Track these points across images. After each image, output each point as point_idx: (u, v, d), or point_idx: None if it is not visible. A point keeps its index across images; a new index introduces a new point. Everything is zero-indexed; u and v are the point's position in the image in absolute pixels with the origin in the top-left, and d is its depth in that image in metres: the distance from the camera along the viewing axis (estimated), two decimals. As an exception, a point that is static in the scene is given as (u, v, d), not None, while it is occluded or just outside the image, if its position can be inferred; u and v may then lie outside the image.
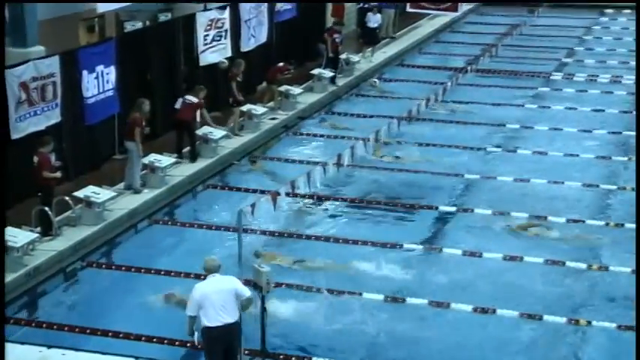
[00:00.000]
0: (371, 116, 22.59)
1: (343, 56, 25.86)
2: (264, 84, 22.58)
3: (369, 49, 27.70)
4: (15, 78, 15.39)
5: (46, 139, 14.82)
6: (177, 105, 18.45)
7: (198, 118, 18.87)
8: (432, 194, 17.67)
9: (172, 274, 13.91)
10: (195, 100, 18.37)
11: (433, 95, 20.25)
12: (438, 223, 16.37)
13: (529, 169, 18.88)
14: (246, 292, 10.67)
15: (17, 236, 13.58)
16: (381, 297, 13.38)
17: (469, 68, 25.82)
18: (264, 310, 11.22)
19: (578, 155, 19.79)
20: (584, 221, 16.10)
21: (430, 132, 21.37)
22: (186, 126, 18.35)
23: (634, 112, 22.13)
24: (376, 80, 25.87)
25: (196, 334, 10.74)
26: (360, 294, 13.40)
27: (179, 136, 18.43)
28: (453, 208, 16.90)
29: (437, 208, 16.90)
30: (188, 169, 18.06)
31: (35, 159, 14.51)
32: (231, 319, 10.53)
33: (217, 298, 10.45)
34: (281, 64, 22.70)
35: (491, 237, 15.62)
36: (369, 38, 27.83)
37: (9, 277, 13.09)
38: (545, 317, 12.77)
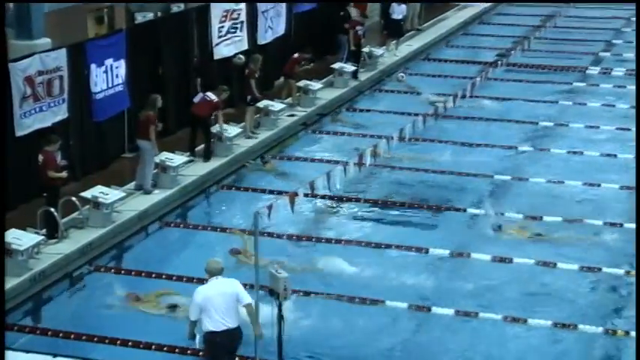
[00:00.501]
0: (395, 113, 22.59)
1: (366, 49, 25.83)
2: (282, 79, 22.56)
3: (394, 42, 27.66)
4: (20, 72, 15.46)
5: (53, 138, 14.87)
6: (196, 99, 18.49)
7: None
8: (459, 196, 17.62)
9: (184, 279, 13.94)
10: (215, 98, 18.37)
11: (461, 91, 20.15)
12: (465, 227, 16.30)
13: (563, 170, 18.79)
14: (247, 297, 10.73)
15: (21, 239, 13.63)
16: (404, 305, 13.35)
17: (499, 62, 25.71)
18: (281, 318, 11.21)
19: (615, 155, 19.67)
20: (622, 224, 16.01)
21: (457, 130, 21.31)
22: (201, 122, 18.36)
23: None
24: (403, 75, 25.82)
25: (197, 337, 10.78)
26: (383, 302, 13.37)
27: (193, 133, 18.48)
28: (482, 211, 16.83)
29: (465, 210, 16.85)
30: (201, 168, 18.09)
31: (40, 158, 14.57)
32: (234, 324, 10.62)
33: (221, 302, 10.53)
34: (296, 54, 22.57)
35: (522, 242, 15.55)
36: (393, 30, 27.78)
37: (13, 282, 13.16)
38: (581, 327, 12.69)
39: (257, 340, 10.89)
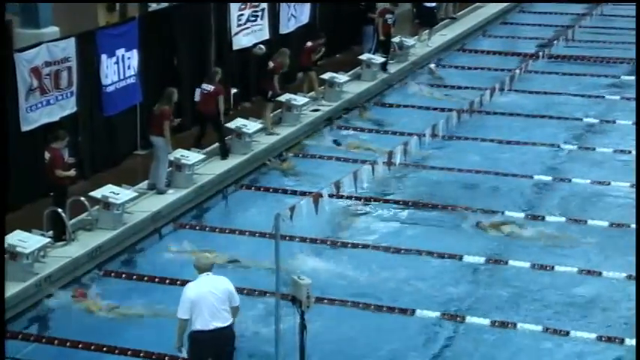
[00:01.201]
0: (427, 108, 22.59)
1: (396, 39, 25.82)
2: (300, 74, 22.48)
3: (426, 32, 27.63)
4: (25, 63, 15.58)
5: (61, 134, 14.97)
6: (197, 97, 18.49)
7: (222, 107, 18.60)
8: (497, 198, 17.60)
9: (200, 285, 13.99)
10: (211, 87, 18.28)
11: (498, 84, 20.12)
12: (503, 231, 16.27)
13: (609, 170, 18.72)
14: (237, 299, 10.87)
15: (27, 241, 13.70)
16: (436, 314, 13.36)
17: (541, 54, 25.62)
18: (303, 327, 11.25)
19: (667, 154, 19.57)
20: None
21: (494, 126, 21.27)
22: (210, 119, 18.37)
23: None
24: (435, 66, 25.79)
25: (186, 345, 10.83)
26: (413, 311, 13.39)
27: (201, 130, 18.44)
28: (521, 214, 16.80)
29: (502, 213, 16.82)
30: (218, 166, 18.15)
31: (47, 155, 14.68)
32: (225, 323, 10.71)
33: (213, 299, 10.64)
34: (309, 43, 22.41)
35: (565, 246, 15.52)
36: (426, 19, 27.73)
37: (17, 287, 13.27)
38: (628, 341, 12.64)
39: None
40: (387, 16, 24.88)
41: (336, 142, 20.21)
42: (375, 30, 25.00)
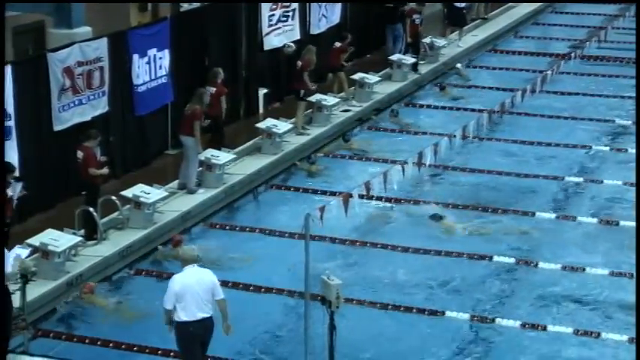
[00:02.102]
0: (457, 109, 22.54)
1: (427, 40, 25.77)
2: (330, 74, 22.45)
3: (456, 32, 27.51)
4: (58, 63, 15.71)
5: (93, 133, 15.07)
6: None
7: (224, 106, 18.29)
8: (527, 199, 17.54)
9: (229, 284, 14.02)
10: (213, 89, 17.97)
11: (530, 85, 20.03)
12: (533, 233, 16.22)
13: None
14: (221, 292, 11.07)
15: (59, 240, 13.79)
16: (466, 316, 13.33)
17: (573, 54, 25.47)
18: (333, 328, 11.25)
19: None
20: None
21: (525, 127, 21.19)
22: (216, 119, 17.99)
23: None
24: (461, 66, 25.71)
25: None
26: (443, 313, 13.36)
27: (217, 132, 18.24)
28: (552, 215, 16.73)
29: (533, 214, 16.76)
30: (249, 166, 18.18)
31: (80, 154, 14.77)
32: (208, 314, 10.94)
33: (199, 291, 10.85)
34: (337, 44, 22.36)
35: (598, 249, 15.44)
36: (456, 19, 27.63)
37: (49, 286, 13.37)
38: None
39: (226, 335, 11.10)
40: (415, 16, 24.82)
41: (345, 139, 20.15)
42: (404, 30, 24.96)
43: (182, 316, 10.86)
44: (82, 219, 14.84)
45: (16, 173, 13.94)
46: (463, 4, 27.49)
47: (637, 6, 27.95)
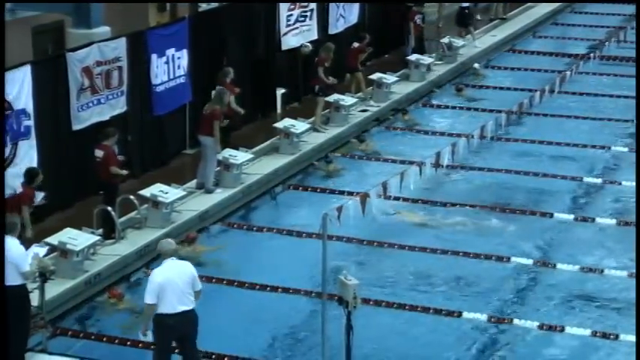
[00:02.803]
0: (475, 109, 22.52)
1: (445, 40, 25.75)
2: (348, 74, 22.45)
3: (467, 33, 27.31)
4: (77, 62, 15.79)
5: (111, 131, 15.13)
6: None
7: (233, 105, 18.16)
8: (545, 200, 17.51)
9: (246, 285, 14.09)
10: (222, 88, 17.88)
11: (548, 86, 19.98)
12: (551, 234, 16.19)
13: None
14: (199, 284, 11.14)
15: (77, 239, 13.84)
16: (484, 317, 13.33)
17: (592, 55, 25.41)
18: (349, 328, 11.26)
19: None
20: None
21: (544, 128, 21.15)
22: (228, 119, 17.80)
23: None
24: (478, 66, 25.67)
25: (149, 333, 11.08)
26: (460, 314, 13.37)
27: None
28: (570, 216, 16.70)
29: (551, 215, 16.73)
30: (266, 166, 18.21)
31: (99, 153, 14.83)
32: (190, 306, 10.98)
33: (179, 283, 10.91)
34: (356, 44, 22.36)
35: (616, 250, 15.40)
36: (460, 19, 27.51)
37: (67, 284, 13.43)
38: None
39: None
40: (417, 17, 24.76)
41: (360, 139, 20.14)
42: (409, 33, 24.90)
43: (162, 309, 10.92)
44: (101, 218, 14.91)
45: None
46: (466, 4, 27.38)
47: (637, 6, 27.83)
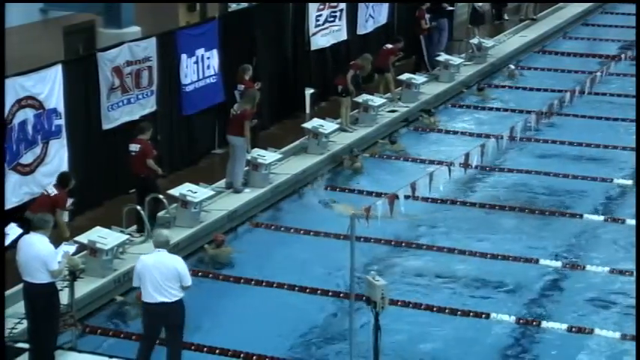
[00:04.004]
0: (505, 110, 22.45)
1: (474, 41, 25.66)
2: (377, 74, 22.42)
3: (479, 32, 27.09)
4: (107, 62, 15.88)
5: (146, 125, 15.22)
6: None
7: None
8: (575, 201, 17.43)
9: (274, 285, 14.11)
10: (242, 86, 17.93)
11: (579, 87, 19.88)
12: (580, 235, 16.12)
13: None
14: (188, 280, 11.22)
15: (106, 237, 13.93)
16: (512, 319, 13.28)
17: (623, 56, 25.23)
18: (377, 329, 11.27)
19: None
20: None
21: (575, 129, 21.05)
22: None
23: None
24: (513, 67, 25.57)
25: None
26: (488, 315, 13.33)
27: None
28: (600, 218, 16.61)
29: (581, 216, 16.65)
30: (295, 166, 18.22)
31: (135, 147, 14.86)
32: (171, 299, 11.09)
33: (156, 274, 11.04)
34: (389, 45, 22.31)
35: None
36: (475, 19, 27.32)
37: (96, 283, 13.52)
38: None
39: None
40: (426, 17, 24.37)
41: (392, 140, 20.15)
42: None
43: (143, 296, 11.21)
44: (135, 216, 14.93)
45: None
46: (480, 4, 27.15)
47: (637, 6, 27.63)
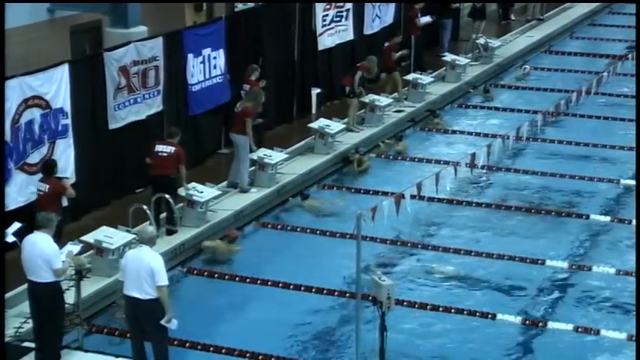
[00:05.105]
0: (511, 110, 22.44)
1: (481, 41, 25.64)
2: (383, 75, 22.41)
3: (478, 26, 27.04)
4: (114, 62, 15.90)
5: (175, 131, 15.29)
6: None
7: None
8: (581, 201, 17.39)
9: (280, 284, 14.11)
10: (247, 86, 18.02)
11: (585, 87, 19.86)
12: (587, 236, 16.09)
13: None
14: (161, 279, 11.12)
15: (113, 237, 13.92)
16: (518, 320, 13.27)
17: (630, 55, 25.18)
18: (384, 329, 11.26)
19: None
20: None
21: (581, 129, 21.02)
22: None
23: None
24: (527, 67, 25.55)
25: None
26: (494, 316, 13.31)
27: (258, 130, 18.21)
28: (607, 218, 16.58)
29: (587, 217, 16.62)
30: (301, 166, 18.23)
31: (167, 148, 14.87)
32: (143, 296, 11.14)
33: (132, 270, 11.20)
34: (387, 43, 22.29)
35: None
36: (472, 13, 27.25)
37: (103, 282, 13.52)
38: None
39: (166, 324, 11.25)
40: (419, 16, 24.25)
41: (396, 138, 20.12)
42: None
43: (123, 289, 11.37)
44: (157, 212, 14.96)
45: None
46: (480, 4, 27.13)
47: (637, 6, 27.61)
